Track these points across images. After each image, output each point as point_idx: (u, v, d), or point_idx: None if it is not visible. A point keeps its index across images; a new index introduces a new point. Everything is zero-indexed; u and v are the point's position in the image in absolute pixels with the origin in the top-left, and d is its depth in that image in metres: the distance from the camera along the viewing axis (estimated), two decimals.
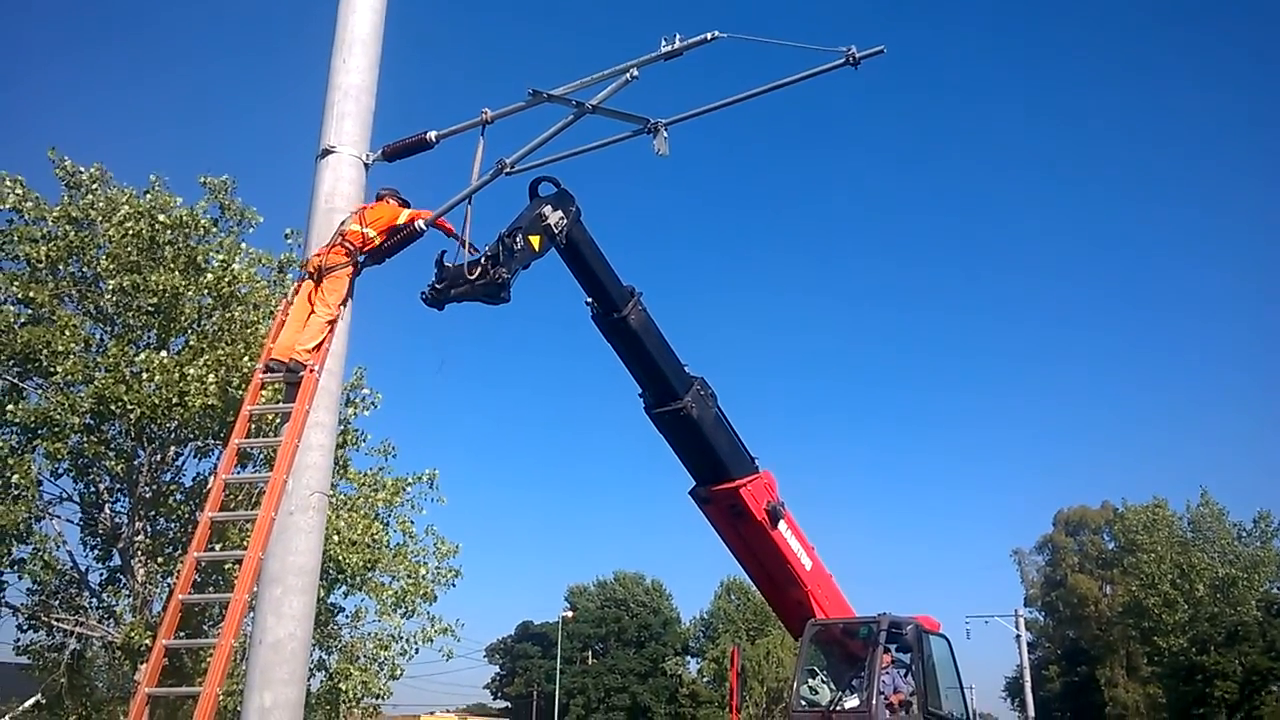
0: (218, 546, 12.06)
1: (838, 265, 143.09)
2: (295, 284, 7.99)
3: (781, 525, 13.28)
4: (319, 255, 7.65)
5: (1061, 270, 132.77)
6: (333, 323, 7.57)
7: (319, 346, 7.50)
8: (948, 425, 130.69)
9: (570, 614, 74.00)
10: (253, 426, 8.65)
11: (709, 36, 7.58)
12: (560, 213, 9.05)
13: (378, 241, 7.78)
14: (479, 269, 7.79)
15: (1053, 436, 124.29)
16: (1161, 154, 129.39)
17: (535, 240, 8.55)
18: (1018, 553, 76.61)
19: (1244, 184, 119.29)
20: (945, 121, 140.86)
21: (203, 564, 8.83)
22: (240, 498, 13.98)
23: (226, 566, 13.72)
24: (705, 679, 72.47)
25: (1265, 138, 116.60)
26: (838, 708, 12.90)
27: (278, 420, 8.67)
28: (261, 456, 14.00)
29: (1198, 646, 45.33)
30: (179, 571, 8.09)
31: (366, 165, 8.14)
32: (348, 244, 7.65)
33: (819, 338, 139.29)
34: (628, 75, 7.67)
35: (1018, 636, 52.13)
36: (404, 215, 7.90)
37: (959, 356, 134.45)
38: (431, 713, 72.73)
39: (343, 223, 7.73)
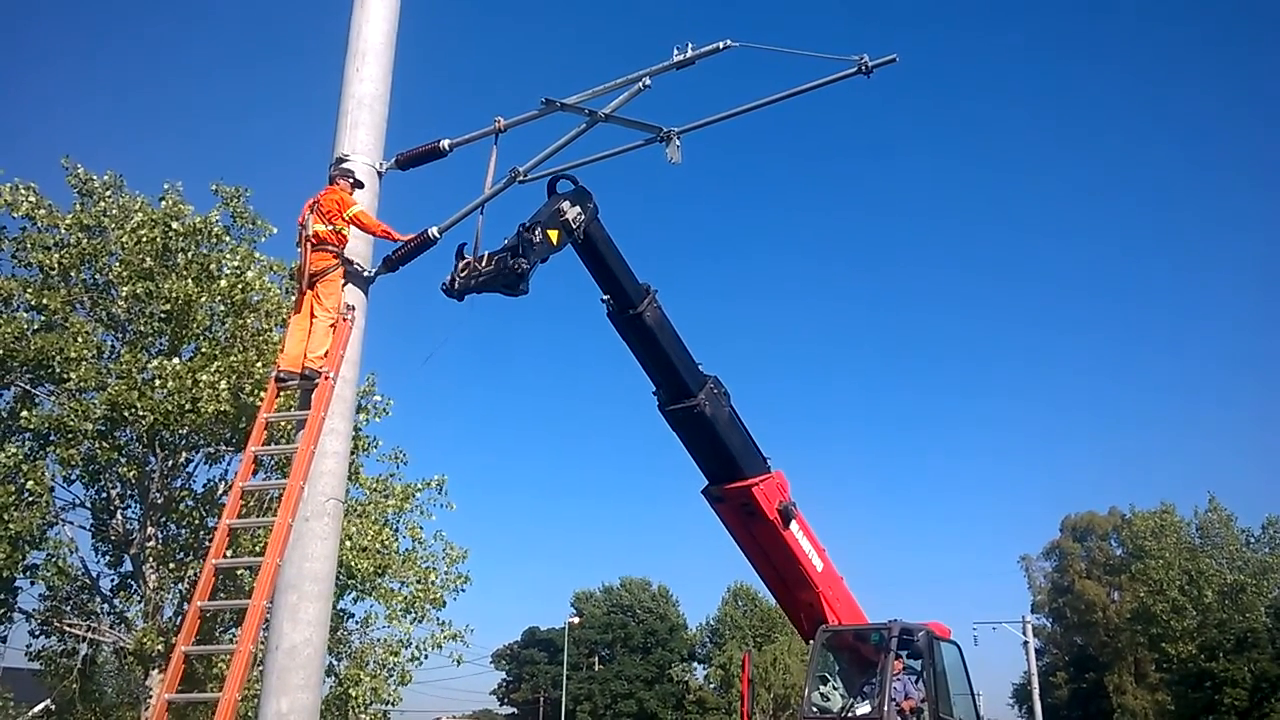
0: (228, 553, 12.12)
1: (846, 270, 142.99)
2: (296, 297, 8.00)
3: (793, 525, 13.28)
4: (307, 263, 7.65)
5: (1069, 274, 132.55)
6: (334, 325, 7.60)
7: (329, 352, 7.54)
8: (955, 431, 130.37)
9: (576, 620, 73.87)
10: (268, 433, 8.69)
11: (721, 45, 7.64)
12: (578, 209, 9.20)
13: (346, 231, 7.72)
14: (499, 260, 7.89)
15: (1060, 442, 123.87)
16: (1168, 157, 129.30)
17: (553, 235, 8.71)
18: (1025, 559, 76.38)
19: (1248, 185, 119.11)
20: (955, 126, 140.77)
21: (219, 571, 8.89)
22: (250, 504, 14.05)
23: (238, 573, 13.78)
24: (712, 685, 72.33)
25: (1267, 139, 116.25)
26: (849, 714, 12.88)
27: (291, 427, 8.72)
28: (273, 463, 14.08)
29: (1206, 653, 45.12)
30: (196, 578, 8.12)
31: (380, 174, 8.21)
32: (329, 247, 7.65)
33: (826, 343, 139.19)
34: (640, 84, 7.74)
35: (1025, 643, 51.97)
36: (352, 210, 7.68)
37: (966, 362, 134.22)
38: (439, 719, 72.80)
39: (303, 226, 7.68)
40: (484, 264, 7.89)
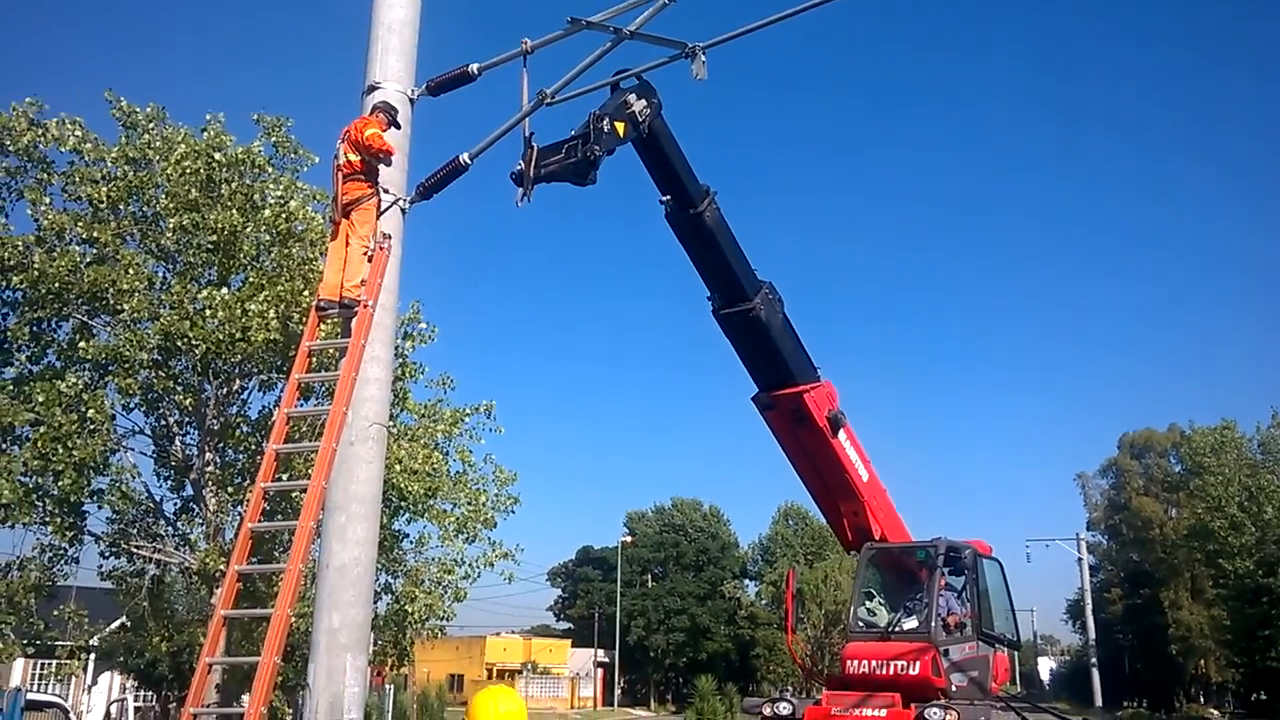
0: (284, 476, 12.47)
1: (895, 190, 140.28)
2: (332, 226, 8.01)
3: (841, 434, 13.35)
4: (340, 192, 7.62)
5: (1134, 188, 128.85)
6: (367, 253, 7.63)
7: (366, 280, 7.60)
8: (1014, 351, 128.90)
9: (629, 539, 75.12)
10: (313, 360, 8.85)
11: None
12: (644, 102, 9.27)
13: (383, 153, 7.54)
14: (569, 147, 7.99)
15: (1119, 360, 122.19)
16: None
17: (620, 127, 8.78)
18: (1081, 476, 75.97)
19: None
20: (1000, 24, 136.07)
21: (270, 493, 9.16)
22: (304, 429, 14.38)
23: (293, 495, 14.18)
24: (763, 601, 73.42)
25: None
26: (896, 628, 13.06)
27: (337, 355, 8.86)
28: (322, 389, 14.36)
29: (1264, 569, 44.69)
30: (248, 501, 8.37)
31: (412, 100, 8.14)
32: (362, 175, 7.56)
33: (882, 255, 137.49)
34: None
35: (1079, 559, 51.99)
36: (370, 132, 7.41)
37: (1026, 283, 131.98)
38: (497, 634, 75.10)
39: (336, 156, 7.61)
40: (554, 152, 7.93)
